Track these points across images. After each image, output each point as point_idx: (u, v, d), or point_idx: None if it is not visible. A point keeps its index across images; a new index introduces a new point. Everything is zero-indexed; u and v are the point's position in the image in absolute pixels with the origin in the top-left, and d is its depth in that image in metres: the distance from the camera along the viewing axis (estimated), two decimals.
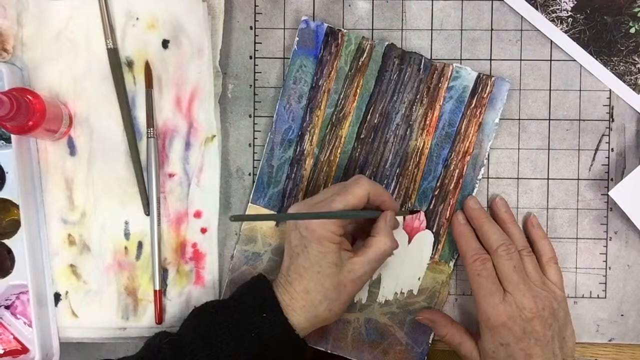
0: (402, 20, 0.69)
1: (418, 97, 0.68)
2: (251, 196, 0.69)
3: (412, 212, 0.68)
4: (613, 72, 0.68)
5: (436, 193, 0.68)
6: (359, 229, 0.67)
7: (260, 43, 0.69)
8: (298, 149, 0.69)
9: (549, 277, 0.65)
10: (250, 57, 0.70)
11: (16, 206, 0.66)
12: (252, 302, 0.61)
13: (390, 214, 0.63)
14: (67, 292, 0.69)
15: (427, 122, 0.68)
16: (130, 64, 0.68)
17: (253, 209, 0.69)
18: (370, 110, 0.68)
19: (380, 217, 0.63)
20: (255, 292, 0.62)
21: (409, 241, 0.68)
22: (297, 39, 0.68)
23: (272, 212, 0.69)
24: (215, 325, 0.60)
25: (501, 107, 0.68)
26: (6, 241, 0.67)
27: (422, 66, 0.68)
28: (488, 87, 0.68)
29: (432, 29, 0.69)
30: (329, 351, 0.69)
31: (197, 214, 0.69)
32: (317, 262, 0.60)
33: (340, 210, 0.60)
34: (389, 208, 0.64)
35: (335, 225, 0.60)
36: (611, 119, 0.69)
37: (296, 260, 0.61)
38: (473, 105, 0.68)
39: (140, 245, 0.69)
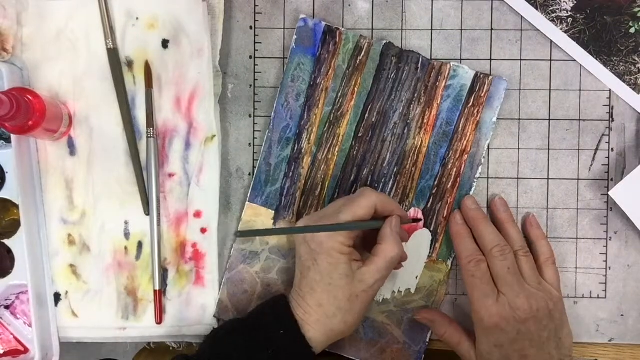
0: (402, 20, 0.69)
1: (416, 95, 0.68)
2: (249, 195, 0.69)
3: (415, 220, 0.68)
4: (613, 72, 0.68)
5: (434, 192, 0.68)
6: (368, 241, 0.66)
7: (260, 43, 0.70)
8: (296, 147, 0.68)
9: (546, 278, 0.65)
10: (250, 57, 0.70)
11: (16, 206, 0.66)
12: (270, 318, 0.61)
13: (395, 219, 0.63)
14: (67, 292, 0.69)
15: (425, 120, 0.68)
16: (130, 64, 0.68)
17: (250, 208, 0.69)
18: (368, 109, 0.68)
19: (385, 224, 0.63)
20: (272, 308, 0.62)
21: (407, 240, 0.68)
22: (295, 37, 0.68)
23: (270, 211, 0.69)
24: (232, 344, 0.60)
25: (498, 106, 0.68)
26: (6, 241, 0.67)
27: (419, 65, 0.68)
28: (485, 86, 0.67)
29: (432, 29, 0.69)
30: (326, 349, 0.68)
31: (197, 214, 0.69)
32: (328, 274, 0.60)
33: (348, 222, 0.60)
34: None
35: (343, 236, 0.60)
36: (611, 119, 0.69)
37: (307, 274, 0.61)
38: (470, 104, 0.68)
39: (140, 245, 0.69)
